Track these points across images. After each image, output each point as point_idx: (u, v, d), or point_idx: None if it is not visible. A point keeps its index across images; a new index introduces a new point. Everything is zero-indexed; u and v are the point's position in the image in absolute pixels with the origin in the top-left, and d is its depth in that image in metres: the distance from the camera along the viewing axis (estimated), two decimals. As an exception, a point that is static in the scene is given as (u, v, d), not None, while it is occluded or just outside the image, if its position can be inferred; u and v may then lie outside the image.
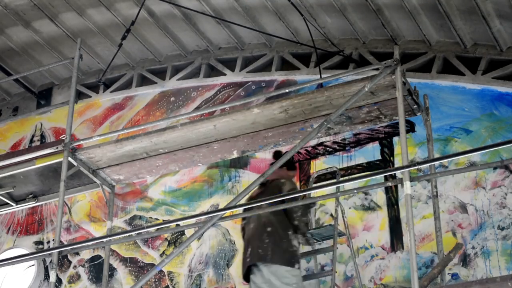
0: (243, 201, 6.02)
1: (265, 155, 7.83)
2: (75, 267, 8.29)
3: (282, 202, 5.87)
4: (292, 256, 6.15)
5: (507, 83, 7.13)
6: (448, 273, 6.27)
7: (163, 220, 7.99)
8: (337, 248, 6.46)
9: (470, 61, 7.45)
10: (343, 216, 6.69)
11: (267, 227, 6.18)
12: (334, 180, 7.01)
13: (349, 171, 7.43)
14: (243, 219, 6.57)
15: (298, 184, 7.50)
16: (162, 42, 8.77)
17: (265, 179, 6.06)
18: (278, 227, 6.18)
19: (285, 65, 8.34)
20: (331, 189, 6.51)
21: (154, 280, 7.79)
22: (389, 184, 6.17)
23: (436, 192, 6.44)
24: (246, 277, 6.23)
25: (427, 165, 6.29)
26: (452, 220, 6.79)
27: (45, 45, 9.01)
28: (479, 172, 6.82)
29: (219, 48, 8.71)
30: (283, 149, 7.22)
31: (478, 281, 5.97)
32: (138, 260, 8.03)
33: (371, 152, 7.42)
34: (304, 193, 6.27)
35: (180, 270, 7.75)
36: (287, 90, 6.88)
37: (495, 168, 6.74)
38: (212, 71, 8.72)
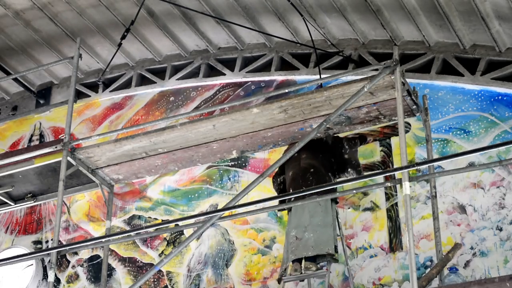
0: (242, 201, 6.02)
1: (265, 155, 7.83)
2: (73, 266, 8.29)
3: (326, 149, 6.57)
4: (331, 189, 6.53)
5: (506, 84, 7.14)
6: (447, 267, 6.27)
7: (162, 220, 7.99)
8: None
9: (469, 62, 7.45)
10: (337, 217, 6.71)
11: (309, 169, 6.58)
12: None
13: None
14: (277, 173, 6.94)
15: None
16: (161, 42, 8.77)
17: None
18: (320, 167, 6.61)
19: (285, 65, 8.34)
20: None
21: (153, 280, 7.79)
22: (388, 184, 6.18)
23: (435, 192, 6.45)
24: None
25: (426, 165, 6.30)
26: (450, 221, 6.79)
27: (44, 44, 9.00)
28: (478, 172, 6.83)
29: (218, 48, 8.71)
30: (282, 149, 7.24)
31: (476, 281, 5.99)
32: (137, 260, 8.03)
33: (371, 152, 7.43)
34: (301, 194, 6.24)
35: (179, 270, 7.75)
36: (286, 90, 6.89)
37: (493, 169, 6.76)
38: (212, 71, 8.72)
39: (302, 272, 6.30)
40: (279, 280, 6.52)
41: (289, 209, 6.64)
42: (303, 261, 6.31)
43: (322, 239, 6.29)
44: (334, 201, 6.59)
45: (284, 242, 6.68)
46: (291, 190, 6.63)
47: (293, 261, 6.37)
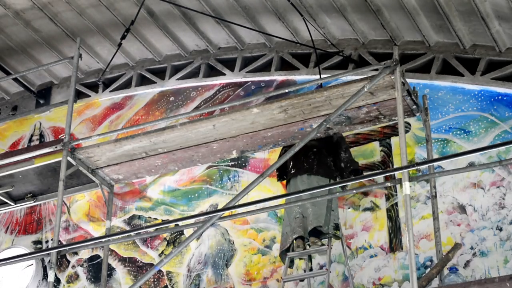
0: (242, 201, 6.02)
1: (265, 155, 7.83)
2: (73, 266, 8.29)
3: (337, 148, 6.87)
4: (333, 172, 6.82)
5: (506, 84, 7.14)
6: (447, 267, 6.28)
7: (162, 220, 7.99)
8: (331, 248, 6.48)
9: (469, 62, 7.45)
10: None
11: (312, 148, 6.81)
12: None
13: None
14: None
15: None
16: (161, 42, 8.77)
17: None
18: (322, 149, 6.84)
19: (285, 65, 8.34)
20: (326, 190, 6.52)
21: (153, 280, 7.79)
22: (388, 184, 6.18)
23: (435, 192, 6.45)
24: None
25: (426, 165, 6.30)
26: (450, 221, 6.80)
27: (44, 44, 9.01)
28: (478, 172, 6.83)
29: (218, 48, 8.71)
30: (282, 149, 7.24)
31: (476, 281, 5.99)
32: (137, 259, 8.03)
33: (371, 152, 7.43)
34: (302, 194, 6.27)
35: (179, 270, 7.75)
36: (286, 90, 6.89)
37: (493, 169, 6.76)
38: (212, 71, 8.72)
39: (305, 247, 6.53)
40: (281, 256, 6.67)
41: (288, 181, 6.87)
42: (308, 237, 6.55)
43: (320, 213, 6.52)
44: (333, 180, 6.78)
45: (284, 216, 6.79)
46: (291, 165, 6.84)
47: (296, 238, 6.54)
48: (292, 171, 6.82)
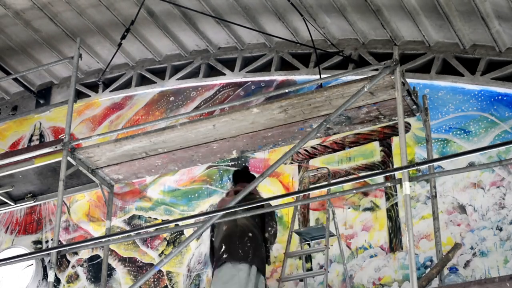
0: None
1: (265, 155, 7.83)
2: (73, 266, 8.29)
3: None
4: (264, 263, 6.47)
5: (506, 84, 7.15)
6: (447, 267, 6.28)
7: (162, 220, 8.00)
8: (329, 248, 6.48)
9: (469, 62, 7.45)
10: (333, 217, 6.71)
11: (247, 232, 6.43)
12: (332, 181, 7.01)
13: (348, 171, 7.43)
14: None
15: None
16: (161, 42, 8.78)
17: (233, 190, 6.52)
18: (258, 234, 6.48)
19: (285, 65, 8.35)
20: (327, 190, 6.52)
21: (153, 280, 7.79)
22: (388, 184, 6.18)
23: (435, 192, 6.45)
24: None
25: (426, 165, 6.30)
26: (451, 221, 6.80)
27: (44, 44, 9.01)
28: (478, 172, 6.83)
29: (218, 48, 8.71)
30: (282, 149, 7.23)
31: (476, 281, 5.99)
32: (137, 259, 8.03)
33: (371, 152, 7.43)
34: (302, 193, 6.27)
35: (179, 270, 7.75)
36: (286, 90, 6.89)
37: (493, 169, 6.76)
38: (212, 71, 8.72)
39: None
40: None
41: (215, 268, 6.46)
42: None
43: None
44: (262, 273, 6.41)
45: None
46: (223, 247, 6.39)
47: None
48: (224, 256, 6.35)
